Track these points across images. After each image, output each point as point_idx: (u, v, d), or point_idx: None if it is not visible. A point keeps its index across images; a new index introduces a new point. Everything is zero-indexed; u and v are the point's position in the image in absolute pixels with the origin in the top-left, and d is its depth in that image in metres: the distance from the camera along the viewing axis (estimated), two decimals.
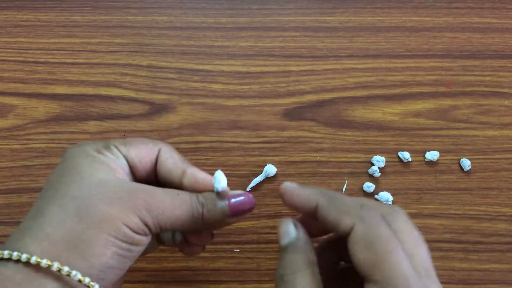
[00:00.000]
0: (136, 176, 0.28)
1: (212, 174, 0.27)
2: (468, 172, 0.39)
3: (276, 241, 0.38)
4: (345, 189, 0.39)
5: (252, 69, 0.41)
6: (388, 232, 0.22)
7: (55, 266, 0.22)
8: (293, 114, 0.40)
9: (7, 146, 0.39)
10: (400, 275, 0.21)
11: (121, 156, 0.27)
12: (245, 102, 0.40)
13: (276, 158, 0.39)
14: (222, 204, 0.26)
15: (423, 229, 0.38)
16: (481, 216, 0.38)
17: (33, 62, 0.41)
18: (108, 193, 0.24)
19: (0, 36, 0.41)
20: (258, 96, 0.40)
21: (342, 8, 0.42)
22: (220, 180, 0.26)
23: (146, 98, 0.40)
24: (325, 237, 0.28)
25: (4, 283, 0.22)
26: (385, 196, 0.38)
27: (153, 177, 0.28)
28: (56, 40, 0.41)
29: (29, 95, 0.40)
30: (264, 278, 0.37)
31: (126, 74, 0.41)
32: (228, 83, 0.40)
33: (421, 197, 0.39)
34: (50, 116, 0.40)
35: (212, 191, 0.27)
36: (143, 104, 0.40)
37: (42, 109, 0.40)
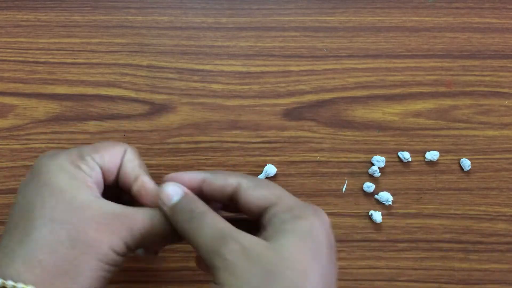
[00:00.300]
0: (107, 181, 0.28)
1: None
2: (468, 172, 0.39)
3: None
4: (345, 189, 0.39)
5: (252, 69, 0.41)
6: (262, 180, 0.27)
7: None
8: (293, 114, 0.40)
9: (7, 146, 0.39)
10: (285, 195, 0.26)
11: (96, 166, 0.27)
12: (245, 102, 0.40)
13: (276, 158, 0.39)
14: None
15: (423, 229, 0.38)
16: (481, 216, 0.38)
17: (33, 62, 0.41)
18: (95, 217, 0.25)
19: (0, 36, 0.41)
20: (258, 96, 0.40)
21: (342, 8, 0.42)
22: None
23: (146, 98, 0.40)
24: None
25: None
26: (385, 196, 0.38)
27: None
28: (56, 40, 0.41)
29: (29, 95, 0.40)
30: None
31: (126, 74, 0.41)
32: (228, 83, 0.40)
33: (421, 197, 0.39)
34: (50, 116, 0.40)
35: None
36: (143, 104, 0.40)
37: (42, 109, 0.40)
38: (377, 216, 0.38)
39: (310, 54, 0.41)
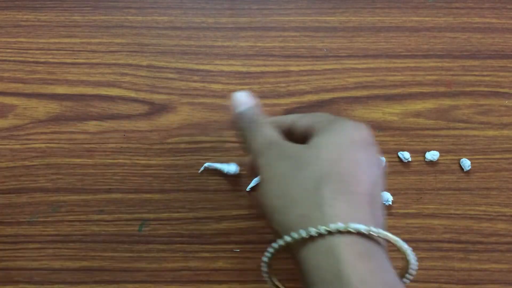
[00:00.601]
0: None
1: None
2: (468, 172, 0.39)
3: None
4: None
5: (252, 69, 0.41)
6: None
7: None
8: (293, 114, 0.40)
9: (7, 146, 0.39)
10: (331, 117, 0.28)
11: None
12: None
13: None
14: None
15: (423, 229, 0.38)
16: (481, 216, 0.38)
17: (33, 62, 0.41)
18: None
19: (0, 36, 0.41)
20: (258, 96, 0.40)
21: (342, 8, 0.42)
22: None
23: (146, 98, 0.40)
24: None
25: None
26: (385, 196, 0.38)
27: None
28: (56, 40, 0.41)
29: (29, 95, 0.40)
30: (264, 278, 0.37)
31: (126, 74, 0.41)
32: (228, 83, 0.40)
33: (421, 197, 0.39)
34: (50, 116, 0.40)
35: None
36: (143, 104, 0.40)
37: (42, 109, 0.40)
38: None
39: (310, 54, 0.41)
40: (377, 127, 0.40)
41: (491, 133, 0.40)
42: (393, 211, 0.38)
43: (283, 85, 0.40)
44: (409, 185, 0.39)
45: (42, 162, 0.39)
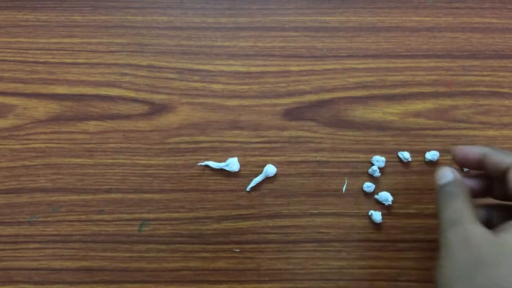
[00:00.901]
0: None
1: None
2: (468, 172, 0.39)
3: (276, 241, 0.38)
4: (345, 189, 0.39)
5: (252, 69, 0.41)
6: None
7: None
8: (293, 114, 0.40)
9: (7, 146, 0.39)
10: None
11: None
12: (245, 102, 0.40)
13: (276, 158, 0.39)
14: None
15: (423, 229, 0.38)
16: None
17: (33, 62, 0.41)
18: None
19: (0, 36, 0.41)
20: (258, 96, 0.40)
21: (342, 8, 0.42)
22: None
23: (146, 98, 0.40)
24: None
25: None
26: (385, 196, 0.38)
27: None
28: (56, 40, 0.41)
29: (29, 95, 0.40)
30: (264, 278, 0.37)
31: (126, 74, 0.41)
32: (228, 83, 0.40)
33: (421, 197, 0.39)
34: (50, 116, 0.40)
35: None
36: (143, 104, 0.40)
37: (42, 109, 0.40)
38: (377, 216, 0.38)
39: (310, 54, 0.41)
40: (377, 127, 0.40)
41: (491, 133, 0.40)
42: (393, 211, 0.38)
43: (283, 85, 0.40)
44: (409, 185, 0.39)
45: (42, 162, 0.39)
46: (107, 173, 0.39)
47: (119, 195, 0.39)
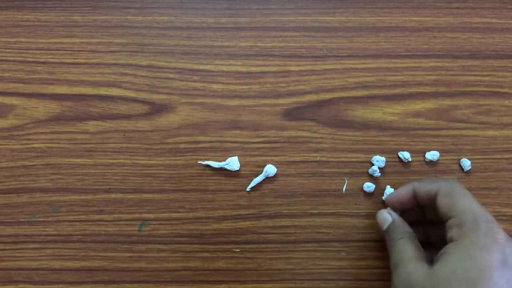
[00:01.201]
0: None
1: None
2: (468, 172, 0.39)
3: (276, 241, 0.38)
4: (345, 189, 0.39)
5: (252, 69, 0.41)
6: (461, 187, 0.32)
7: None
8: (293, 114, 0.40)
9: (7, 146, 0.39)
10: (468, 209, 0.29)
11: None
12: (245, 102, 0.40)
13: (276, 158, 0.39)
14: None
15: None
16: None
17: (33, 62, 0.41)
18: None
19: (0, 36, 0.41)
20: (258, 96, 0.40)
21: (342, 8, 0.42)
22: None
23: (146, 98, 0.40)
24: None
25: None
26: (390, 192, 0.38)
27: None
28: (56, 40, 0.41)
29: (29, 95, 0.40)
30: (264, 278, 0.37)
31: (126, 74, 0.41)
32: (228, 83, 0.40)
33: None
34: (50, 116, 0.40)
35: None
36: (143, 104, 0.40)
37: (42, 109, 0.40)
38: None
39: (310, 54, 0.41)
40: (377, 127, 0.40)
41: (491, 133, 0.40)
42: None
43: (283, 85, 0.40)
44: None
45: (42, 162, 0.39)
46: (107, 173, 0.39)
47: (119, 195, 0.39)
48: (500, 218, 0.38)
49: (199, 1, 0.42)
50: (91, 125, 0.40)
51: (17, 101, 0.40)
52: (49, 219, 0.38)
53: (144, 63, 0.41)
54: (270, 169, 0.38)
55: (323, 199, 0.38)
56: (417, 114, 0.40)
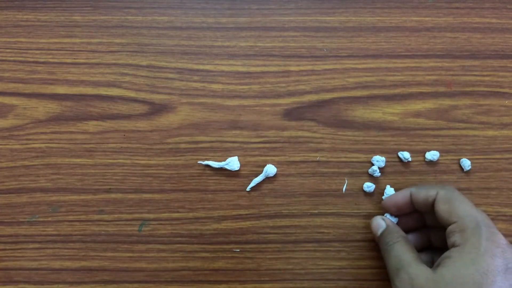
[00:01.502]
0: None
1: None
2: (468, 172, 0.39)
3: (276, 241, 0.38)
4: (345, 189, 0.39)
5: (252, 69, 0.41)
6: (458, 193, 0.32)
7: None
8: (293, 114, 0.40)
9: (7, 146, 0.39)
10: (469, 214, 0.30)
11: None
12: (245, 102, 0.40)
13: (276, 158, 0.39)
14: None
15: None
16: None
17: (33, 62, 0.41)
18: None
19: (0, 36, 0.41)
20: (258, 96, 0.40)
21: (342, 8, 0.42)
22: None
23: (146, 98, 0.40)
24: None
25: None
26: (390, 191, 0.38)
27: None
28: (56, 40, 0.41)
29: (29, 95, 0.40)
30: (264, 278, 0.37)
31: (126, 74, 0.41)
32: (228, 83, 0.40)
33: None
34: (50, 116, 0.40)
35: None
36: (143, 104, 0.40)
37: (42, 109, 0.40)
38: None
39: (310, 54, 0.41)
40: (377, 127, 0.40)
41: (491, 133, 0.40)
42: None
43: (283, 85, 0.40)
44: (409, 185, 0.39)
45: (42, 162, 0.39)
46: (107, 173, 0.39)
47: (119, 195, 0.39)
48: (500, 218, 0.38)
49: (199, 1, 0.42)
50: (91, 125, 0.40)
51: (17, 101, 0.40)
52: (49, 219, 0.38)
53: (144, 63, 0.41)
54: (270, 169, 0.38)
55: (323, 199, 0.38)
56: (417, 114, 0.40)
